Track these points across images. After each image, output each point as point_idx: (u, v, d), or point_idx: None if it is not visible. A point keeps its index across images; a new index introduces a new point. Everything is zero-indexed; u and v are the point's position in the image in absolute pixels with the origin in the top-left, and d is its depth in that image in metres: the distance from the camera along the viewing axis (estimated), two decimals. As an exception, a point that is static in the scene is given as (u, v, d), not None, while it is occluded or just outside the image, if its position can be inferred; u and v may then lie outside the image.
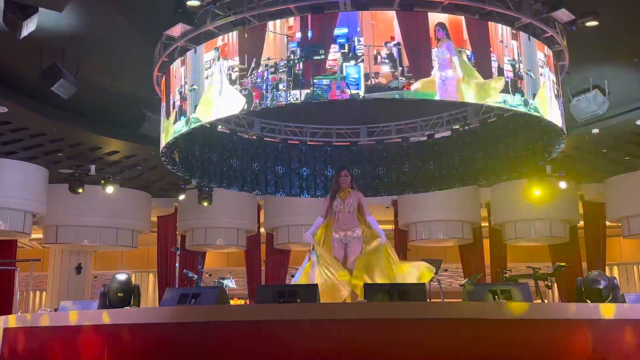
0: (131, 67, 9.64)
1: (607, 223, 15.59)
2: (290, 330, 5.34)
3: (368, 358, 5.21)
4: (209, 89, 7.78)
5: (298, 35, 7.29)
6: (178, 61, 8.30)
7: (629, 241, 17.27)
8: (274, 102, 7.26)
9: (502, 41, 7.54)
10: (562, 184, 14.07)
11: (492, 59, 7.41)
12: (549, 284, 10.75)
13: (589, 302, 6.35)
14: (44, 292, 19.96)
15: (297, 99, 7.15)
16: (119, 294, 6.99)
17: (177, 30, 7.73)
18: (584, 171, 14.23)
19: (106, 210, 14.72)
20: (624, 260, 19.71)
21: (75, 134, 11.67)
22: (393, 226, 16.15)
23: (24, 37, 7.28)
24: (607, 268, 16.55)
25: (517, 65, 7.56)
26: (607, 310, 5.51)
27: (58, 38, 8.69)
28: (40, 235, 15.73)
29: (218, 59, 7.71)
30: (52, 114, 10.78)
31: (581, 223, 15.82)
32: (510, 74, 7.48)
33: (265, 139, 11.55)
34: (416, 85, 7.09)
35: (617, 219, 14.85)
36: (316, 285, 6.19)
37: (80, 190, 13.56)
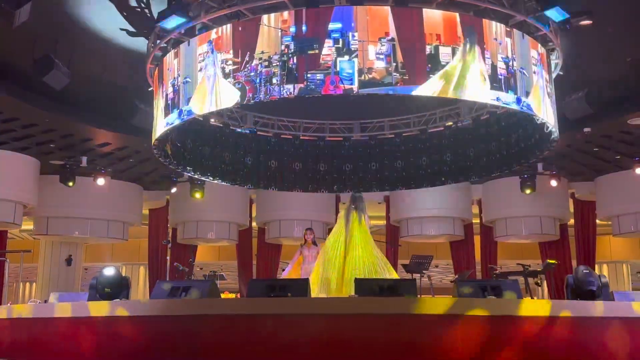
0: (124, 58, 9.59)
1: (597, 221, 15.66)
2: (280, 324, 5.35)
3: (357, 350, 5.23)
4: (202, 81, 7.76)
5: (292, 29, 7.27)
6: (171, 53, 8.26)
7: (618, 240, 17.36)
8: (267, 96, 7.25)
9: (496, 38, 7.55)
10: (553, 182, 14.13)
11: (486, 56, 7.42)
12: (539, 281, 10.81)
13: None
14: (34, 284, 19.86)
15: (290, 93, 7.14)
16: (106, 289, 6.96)
17: (170, 22, 7.69)
18: (575, 169, 14.29)
19: (97, 202, 14.64)
20: (613, 258, 19.80)
21: (67, 125, 11.60)
22: (385, 222, 16.19)
23: (16, 27, 7.23)
24: (596, 266, 16.64)
25: (510, 63, 7.57)
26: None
27: (51, 29, 8.62)
28: (31, 227, 15.64)
29: (212, 52, 7.68)
30: (44, 105, 10.70)
31: (571, 221, 15.89)
32: (504, 72, 7.50)
33: (258, 133, 11.54)
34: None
35: (607, 217, 14.92)
36: (307, 279, 6.21)
37: (71, 183, 13.50)
